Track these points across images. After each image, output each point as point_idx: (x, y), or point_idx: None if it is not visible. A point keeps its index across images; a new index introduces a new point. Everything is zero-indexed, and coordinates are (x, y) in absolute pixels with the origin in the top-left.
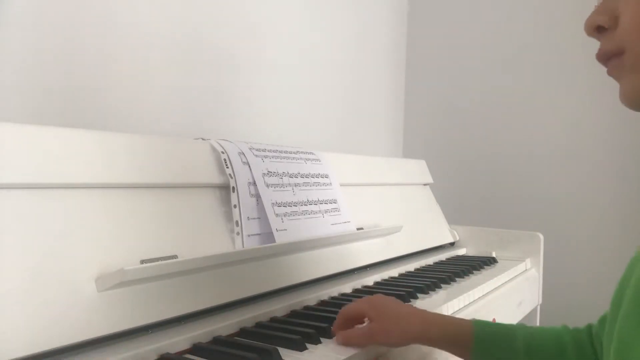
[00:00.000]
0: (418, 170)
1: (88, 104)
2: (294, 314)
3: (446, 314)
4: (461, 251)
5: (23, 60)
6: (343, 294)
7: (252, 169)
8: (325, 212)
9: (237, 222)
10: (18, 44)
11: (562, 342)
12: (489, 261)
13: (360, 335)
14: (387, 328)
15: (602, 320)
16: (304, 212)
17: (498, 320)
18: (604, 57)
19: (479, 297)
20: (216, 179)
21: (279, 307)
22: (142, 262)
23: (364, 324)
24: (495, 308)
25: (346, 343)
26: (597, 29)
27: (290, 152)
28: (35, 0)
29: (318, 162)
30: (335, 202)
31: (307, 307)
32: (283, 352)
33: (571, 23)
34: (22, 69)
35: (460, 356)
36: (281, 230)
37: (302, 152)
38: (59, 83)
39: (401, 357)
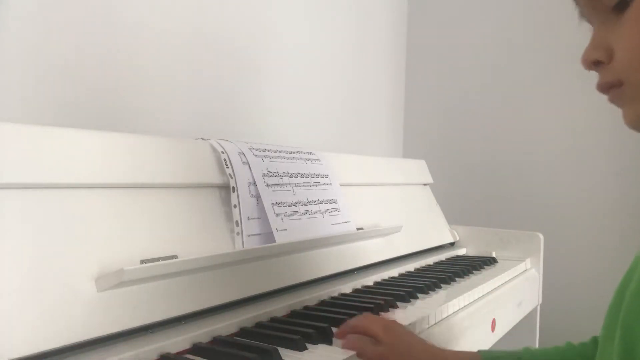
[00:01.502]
0: (418, 170)
1: (89, 104)
2: (294, 314)
3: (446, 314)
4: (461, 251)
5: (24, 60)
6: (343, 294)
7: (252, 169)
8: (325, 212)
9: (237, 222)
10: (19, 43)
11: None
12: (489, 261)
13: (367, 355)
14: (396, 358)
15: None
16: (304, 212)
17: (498, 321)
18: (604, 88)
19: (479, 297)
20: (216, 179)
21: (279, 307)
22: (142, 262)
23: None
24: (495, 308)
25: (351, 350)
26: (594, 63)
27: (290, 152)
28: (38, 0)
29: (318, 162)
30: (335, 202)
31: (307, 307)
32: (283, 352)
33: (571, 24)
34: (23, 69)
35: None
36: (281, 230)
37: (302, 152)
38: (59, 83)
39: None
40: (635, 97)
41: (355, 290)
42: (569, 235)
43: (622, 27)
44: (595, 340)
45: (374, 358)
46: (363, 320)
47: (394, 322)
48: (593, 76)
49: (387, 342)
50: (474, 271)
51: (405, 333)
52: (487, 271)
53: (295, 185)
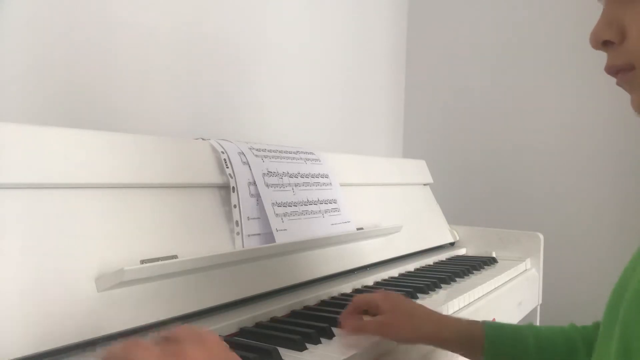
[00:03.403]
0: (418, 170)
1: (89, 104)
2: (294, 314)
3: (446, 314)
4: (461, 251)
5: (24, 60)
6: (343, 294)
7: (252, 169)
8: (325, 212)
9: (237, 222)
10: (18, 43)
11: (572, 340)
12: (489, 261)
13: (370, 325)
14: (399, 323)
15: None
16: (304, 212)
17: (498, 321)
18: (613, 71)
19: (479, 297)
20: (216, 179)
21: (279, 307)
22: (142, 262)
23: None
24: (495, 308)
25: (355, 332)
26: (603, 43)
27: (290, 152)
28: (36, 0)
29: (318, 162)
30: (335, 202)
31: (307, 307)
32: (283, 352)
33: (571, 23)
34: (22, 69)
35: (471, 358)
36: (281, 230)
37: (302, 152)
38: (59, 83)
39: (403, 356)
40: None
41: (355, 290)
42: (569, 235)
43: (637, 7)
44: (597, 325)
45: (377, 327)
46: (363, 294)
47: (392, 292)
48: (593, 76)
49: (387, 308)
50: (474, 271)
51: (404, 300)
52: (487, 271)
53: (295, 185)
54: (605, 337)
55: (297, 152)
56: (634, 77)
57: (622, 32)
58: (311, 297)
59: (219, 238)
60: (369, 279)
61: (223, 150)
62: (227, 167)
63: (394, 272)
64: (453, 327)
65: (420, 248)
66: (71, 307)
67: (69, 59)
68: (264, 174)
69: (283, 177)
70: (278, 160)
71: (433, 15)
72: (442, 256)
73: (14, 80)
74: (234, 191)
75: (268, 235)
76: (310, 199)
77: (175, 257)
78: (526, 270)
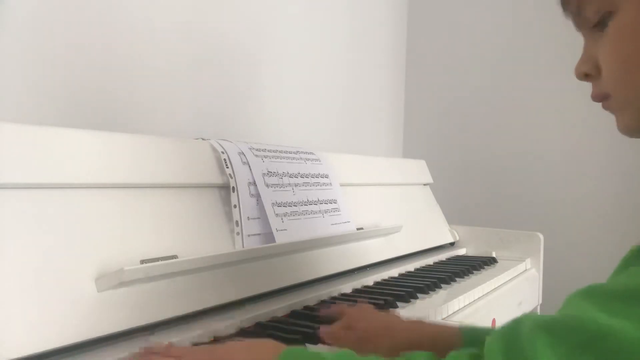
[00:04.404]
0: (418, 170)
1: (89, 104)
2: (294, 314)
3: (446, 314)
4: (461, 251)
5: (24, 60)
6: (343, 294)
7: (252, 169)
8: (325, 212)
9: (237, 222)
10: (19, 43)
11: None
12: (489, 261)
13: (349, 340)
14: (376, 336)
15: None
16: (304, 212)
17: (498, 321)
18: (596, 99)
19: (479, 297)
20: (216, 179)
21: (279, 307)
22: (142, 262)
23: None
24: (495, 308)
25: (334, 343)
26: (585, 75)
27: (290, 152)
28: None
29: (318, 162)
30: (335, 202)
31: (307, 307)
32: None
33: (572, 24)
34: (23, 69)
35: None
36: (281, 230)
37: (302, 152)
38: (59, 83)
39: None
40: (622, 109)
41: (355, 290)
42: (569, 235)
43: (603, 44)
44: None
45: (355, 342)
46: (335, 310)
47: (364, 305)
48: None
49: (363, 325)
50: (474, 271)
51: (376, 312)
52: (487, 271)
53: (295, 185)
54: None
55: (297, 152)
56: (611, 104)
57: (597, 67)
58: (311, 297)
59: (219, 238)
60: (369, 279)
61: (223, 150)
62: (227, 167)
63: (394, 272)
64: (430, 332)
65: (420, 248)
66: (71, 307)
67: (69, 58)
68: (264, 174)
69: (283, 177)
70: (278, 160)
71: (433, 15)
72: (442, 256)
73: (14, 79)
74: (234, 191)
75: (268, 235)
76: (310, 199)
77: (175, 257)
78: (526, 270)
